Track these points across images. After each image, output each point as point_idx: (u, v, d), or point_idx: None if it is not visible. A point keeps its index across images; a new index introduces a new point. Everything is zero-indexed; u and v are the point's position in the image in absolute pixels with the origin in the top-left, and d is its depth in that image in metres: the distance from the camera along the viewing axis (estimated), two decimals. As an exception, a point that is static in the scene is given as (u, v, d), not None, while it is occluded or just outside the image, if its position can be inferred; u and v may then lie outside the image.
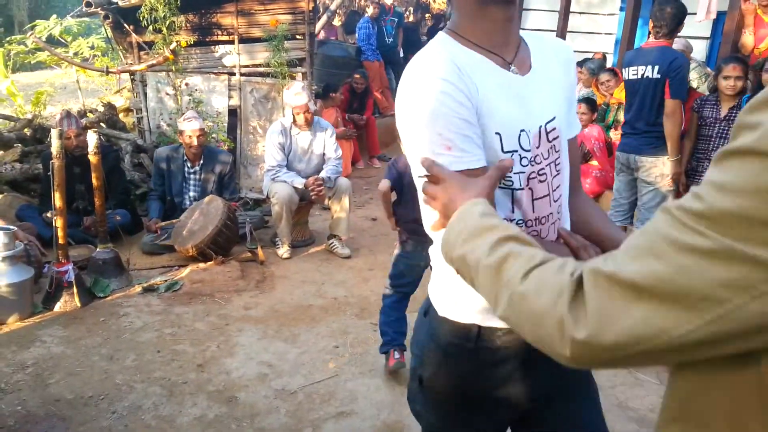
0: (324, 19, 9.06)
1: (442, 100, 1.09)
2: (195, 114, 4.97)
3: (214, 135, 5.82)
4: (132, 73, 6.13)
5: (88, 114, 6.72)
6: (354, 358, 3.23)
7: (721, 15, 5.63)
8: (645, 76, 3.94)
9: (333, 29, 9.99)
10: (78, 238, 4.51)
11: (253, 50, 6.18)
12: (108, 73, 6.55)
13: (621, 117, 5.11)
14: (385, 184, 3.02)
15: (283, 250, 4.68)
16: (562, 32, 7.13)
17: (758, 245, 0.54)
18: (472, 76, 1.13)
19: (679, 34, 4.07)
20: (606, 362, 0.65)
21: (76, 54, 7.55)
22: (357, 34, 8.86)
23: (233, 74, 6.18)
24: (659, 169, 4.01)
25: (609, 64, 7.08)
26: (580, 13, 8.49)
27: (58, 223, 3.66)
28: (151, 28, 5.63)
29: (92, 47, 7.81)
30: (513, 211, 1.21)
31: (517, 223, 1.21)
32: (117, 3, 5.72)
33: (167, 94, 6.08)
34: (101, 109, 6.91)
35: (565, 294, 0.67)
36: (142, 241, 4.69)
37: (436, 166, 1.08)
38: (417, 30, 10.33)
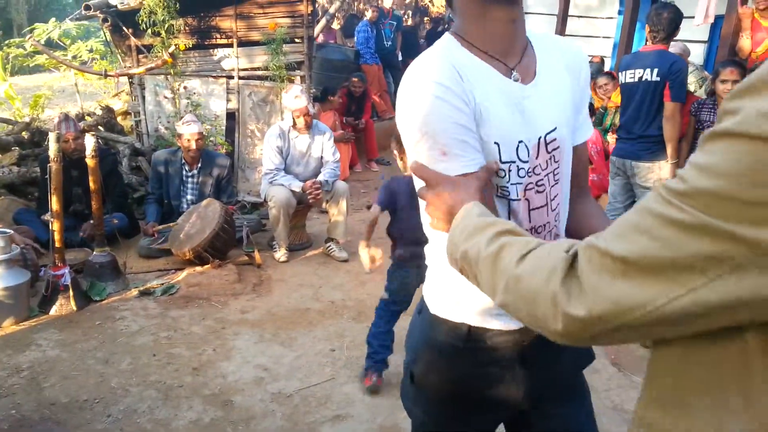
0: (323, 22, 9.09)
1: (437, 105, 1.08)
2: (194, 117, 4.97)
3: (212, 138, 5.82)
4: (130, 77, 6.14)
5: (86, 117, 6.73)
6: (351, 362, 3.22)
7: (718, 19, 5.64)
8: (643, 80, 3.94)
9: (332, 32, 10.01)
10: (75, 241, 4.50)
11: (251, 53, 6.19)
12: (106, 76, 6.56)
13: (618, 121, 5.12)
14: (375, 210, 2.98)
15: (281, 254, 4.68)
16: (560, 35, 7.14)
17: (737, 222, 0.56)
18: (472, 81, 1.12)
19: (676, 38, 4.08)
20: (595, 336, 0.67)
21: (74, 57, 7.55)
22: (356, 38, 8.87)
23: (232, 77, 6.19)
24: (656, 174, 4.01)
25: (607, 68, 7.09)
26: (579, 16, 8.51)
27: (55, 226, 3.66)
28: (149, 31, 5.64)
29: (91, 50, 7.81)
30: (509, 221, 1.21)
31: None
32: (116, 6, 5.73)
33: (165, 97, 6.09)
34: (99, 112, 6.92)
35: (558, 270, 0.69)
36: (139, 245, 4.68)
37: (426, 170, 1.08)
38: (415, 33, 10.35)
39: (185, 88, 6.00)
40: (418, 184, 1.20)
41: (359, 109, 7.65)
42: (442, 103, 1.08)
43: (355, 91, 7.47)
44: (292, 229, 4.87)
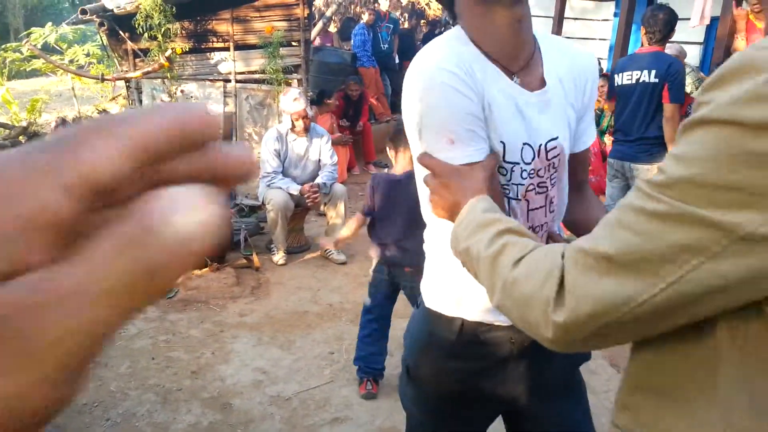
0: (319, 25, 9.09)
1: (447, 91, 1.06)
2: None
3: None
4: (127, 81, 6.15)
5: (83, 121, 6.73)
6: (349, 365, 3.22)
7: (714, 20, 5.67)
8: (641, 81, 3.95)
9: (328, 36, 10.02)
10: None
11: (248, 57, 6.20)
12: (103, 80, 6.56)
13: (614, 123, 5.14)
14: (360, 218, 3.03)
15: (279, 257, 4.68)
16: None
17: (709, 207, 0.57)
18: (480, 75, 1.10)
19: (672, 40, 4.10)
20: (587, 339, 0.67)
21: (71, 61, 7.56)
22: (352, 41, 8.88)
23: (229, 81, 6.19)
24: (654, 174, 4.03)
25: (603, 70, 7.11)
26: (575, 18, 8.53)
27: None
28: (146, 35, 5.65)
29: (88, 54, 7.82)
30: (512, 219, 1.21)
31: None
32: (112, 10, 5.73)
33: (162, 101, 6.09)
34: (96, 116, 6.92)
35: (554, 275, 0.69)
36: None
37: (432, 159, 1.07)
38: (412, 36, 10.36)
39: (182, 91, 6.01)
40: (420, 174, 1.21)
41: (356, 112, 7.66)
42: (451, 90, 1.06)
43: (352, 94, 7.48)
44: (290, 232, 4.87)
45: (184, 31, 5.98)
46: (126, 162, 0.19)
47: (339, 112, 7.43)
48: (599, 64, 7.30)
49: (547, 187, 1.21)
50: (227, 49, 6.16)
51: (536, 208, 1.22)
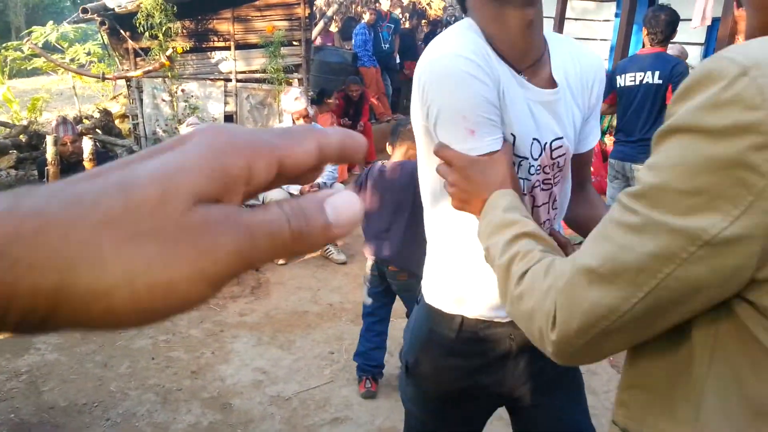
0: (320, 25, 9.10)
1: (466, 79, 1.03)
2: (196, 120, 4.98)
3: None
4: (128, 80, 6.14)
5: (84, 120, 6.73)
6: (349, 364, 3.22)
7: (715, 21, 5.66)
8: (644, 82, 3.94)
9: (329, 35, 10.02)
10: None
11: (249, 56, 6.19)
12: (104, 79, 6.56)
13: (615, 123, 5.13)
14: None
15: (279, 256, 4.68)
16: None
17: (675, 214, 0.60)
18: (495, 65, 1.09)
19: (673, 41, 4.09)
20: (580, 352, 0.70)
21: (72, 60, 7.55)
22: (353, 41, 8.88)
23: (229, 80, 6.19)
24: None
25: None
26: (576, 19, 8.52)
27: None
28: (147, 34, 5.65)
29: (89, 53, 7.81)
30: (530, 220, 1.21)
31: None
32: (113, 9, 5.73)
33: (163, 100, 6.09)
34: (97, 115, 6.92)
35: (551, 294, 0.72)
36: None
37: (451, 152, 1.04)
38: (413, 36, 10.35)
39: (183, 91, 6.00)
40: (425, 168, 1.20)
41: (357, 112, 7.66)
42: (469, 76, 1.03)
43: (352, 95, 7.47)
44: (291, 232, 4.87)
45: (185, 30, 5.98)
46: (311, 160, 0.29)
47: (339, 112, 7.43)
48: (600, 64, 7.29)
49: (551, 184, 1.21)
50: (228, 48, 6.15)
51: (540, 205, 1.22)
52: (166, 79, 5.95)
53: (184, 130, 4.86)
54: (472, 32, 1.11)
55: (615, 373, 3.15)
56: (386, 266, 2.81)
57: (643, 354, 0.73)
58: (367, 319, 2.99)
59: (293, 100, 4.67)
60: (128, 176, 0.26)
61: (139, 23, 5.53)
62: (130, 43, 5.98)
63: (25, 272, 0.23)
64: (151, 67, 5.81)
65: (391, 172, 2.80)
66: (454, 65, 1.04)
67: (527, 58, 1.13)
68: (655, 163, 0.63)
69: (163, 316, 0.26)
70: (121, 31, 5.90)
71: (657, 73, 3.87)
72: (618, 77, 4.16)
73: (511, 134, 1.11)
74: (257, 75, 6.21)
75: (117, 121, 7.03)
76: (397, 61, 9.56)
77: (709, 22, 5.49)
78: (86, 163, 3.93)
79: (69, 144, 4.60)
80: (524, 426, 1.44)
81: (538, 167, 1.17)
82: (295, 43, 6.24)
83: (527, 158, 1.14)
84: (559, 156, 1.19)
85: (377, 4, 9.63)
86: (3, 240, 0.23)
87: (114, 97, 8.58)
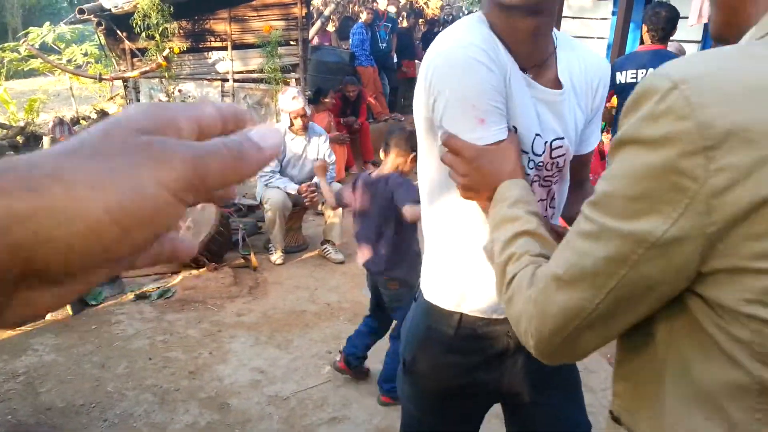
0: (318, 24, 9.10)
1: (476, 68, 1.03)
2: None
3: (207, 141, 5.83)
4: (125, 80, 6.14)
5: (81, 121, 6.73)
6: (347, 364, 3.22)
7: (711, 19, 5.66)
8: None
9: (327, 35, 10.02)
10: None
11: (246, 56, 6.19)
12: (101, 80, 6.55)
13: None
14: (333, 199, 3.32)
15: (276, 256, 4.68)
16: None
17: (623, 219, 0.66)
18: (503, 57, 1.09)
19: (671, 38, 4.10)
20: (559, 352, 0.77)
21: (69, 61, 7.55)
22: (351, 40, 8.88)
23: (226, 80, 6.19)
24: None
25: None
26: (573, 17, 8.53)
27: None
28: (144, 34, 5.65)
29: (85, 54, 7.81)
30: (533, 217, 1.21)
31: None
32: (110, 10, 5.73)
33: (160, 100, 6.09)
34: (94, 116, 6.92)
35: (530, 301, 0.78)
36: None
37: (459, 141, 1.04)
38: (411, 35, 10.34)
39: (180, 91, 6.00)
40: (426, 166, 1.20)
41: (354, 112, 7.66)
42: (479, 64, 1.03)
43: (349, 95, 7.47)
44: (288, 232, 4.87)
45: (181, 31, 5.98)
46: (218, 121, 0.34)
47: (337, 111, 7.43)
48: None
49: (551, 182, 1.22)
50: (225, 48, 6.15)
51: (539, 201, 1.22)
52: (163, 79, 5.94)
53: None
54: (481, 24, 1.11)
55: (612, 370, 3.15)
56: (372, 272, 2.85)
57: (625, 349, 0.80)
58: (364, 321, 3.05)
59: (291, 99, 4.67)
60: (78, 134, 0.30)
61: (136, 24, 5.53)
62: (127, 44, 5.98)
63: None
64: (148, 68, 5.80)
65: (377, 183, 2.82)
66: (462, 53, 1.05)
67: (533, 59, 1.14)
68: (608, 174, 0.69)
69: (141, 232, 0.28)
70: (118, 31, 5.90)
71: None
72: (618, 74, 4.16)
73: (513, 127, 1.11)
74: (254, 75, 6.21)
75: (114, 122, 7.02)
76: (395, 60, 9.55)
77: (705, 20, 5.49)
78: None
79: (66, 145, 4.61)
80: (521, 424, 1.44)
81: (540, 163, 1.17)
82: (292, 42, 6.24)
83: (527, 153, 1.14)
84: (559, 156, 1.19)
85: (374, 4, 9.61)
86: None
87: (111, 98, 8.58)
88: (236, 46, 6.16)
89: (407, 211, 2.62)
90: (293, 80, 6.24)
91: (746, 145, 0.59)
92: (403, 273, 2.74)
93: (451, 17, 11.86)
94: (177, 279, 4.27)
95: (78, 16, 5.88)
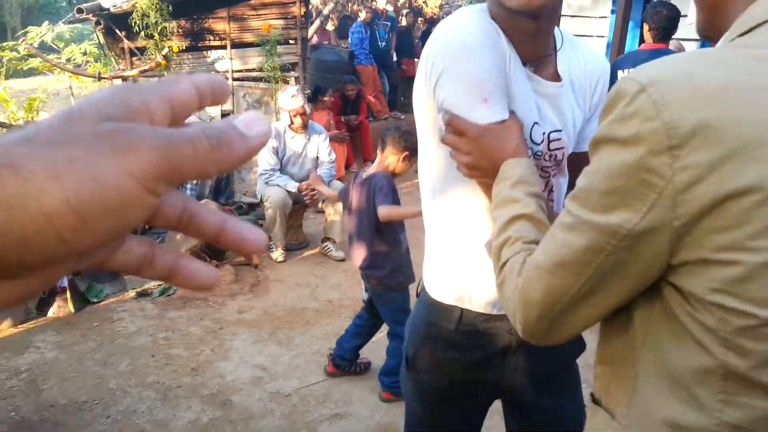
0: (317, 23, 9.09)
1: (478, 48, 1.06)
2: (197, 119, 4.98)
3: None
4: (124, 79, 6.13)
5: (81, 120, 6.71)
6: (348, 361, 3.23)
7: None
8: None
9: (326, 34, 10.01)
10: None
11: (245, 55, 6.19)
12: (100, 79, 6.54)
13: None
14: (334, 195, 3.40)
15: (277, 254, 4.69)
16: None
17: (597, 212, 0.71)
18: (504, 44, 1.11)
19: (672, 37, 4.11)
20: (546, 333, 0.81)
21: (68, 60, 7.53)
22: (350, 39, 8.88)
23: (226, 79, 6.18)
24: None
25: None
26: (572, 16, 8.53)
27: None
28: (143, 33, 5.64)
29: (85, 53, 7.79)
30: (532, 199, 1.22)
31: None
32: (108, 9, 5.72)
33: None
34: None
35: (518, 288, 0.83)
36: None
37: (463, 121, 1.05)
38: (410, 34, 10.34)
39: (180, 90, 6.00)
40: (427, 155, 1.21)
41: (354, 111, 7.66)
42: (482, 46, 1.06)
43: (349, 95, 7.47)
44: (289, 230, 4.88)
45: (180, 30, 5.97)
46: (193, 97, 0.31)
47: (336, 110, 7.43)
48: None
49: (549, 173, 1.22)
50: (224, 47, 6.15)
51: None
52: (163, 78, 5.94)
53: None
54: (483, 14, 1.13)
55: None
56: (360, 270, 2.89)
57: (606, 334, 0.84)
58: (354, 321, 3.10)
59: (290, 97, 4.67)
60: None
61: (135, 23, 5.53)
62: (126, 43, 5.97)
63: None
64: (147, 67, 5.80)
65: (365, 182, 2.84)
66: (465, 35, 1.07)
67: (533, 54, 1.15)
68: (586, 170, 0.74)
69: (104, 223, 0.26)
70: (117, 30, 5.89)
71: None
72: (619, 72, 4.17)
73: (512, 111, 1.11)
74: (254, 74, 6.20)
75: (114, 121, 7.01)
76: (394, 59, 9.56)
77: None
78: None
79: (66, 143, 4.61)
80: (521, 423, 1.45)
81: (539, 153, 1.17)
82: (291, 41, 6.24)
83: (526, 140, 1.14)
84: (557, 149, 1.20)
85: (373, 3, 9.62)
86: None
87: (110, 97, 8.55)
88: (235, 45, 6.16)
89: (381, 210, 2.68)
90: (292, 79, 6.24)
91: (709, 144, 0.63)
92: (382, 274, 2.77)
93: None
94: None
95: (76, 15, 5.88)
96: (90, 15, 5.75)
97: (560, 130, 1.19)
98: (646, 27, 4.00)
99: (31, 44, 6.57)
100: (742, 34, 0.72)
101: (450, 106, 1.06)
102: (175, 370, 3.13)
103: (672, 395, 0.74)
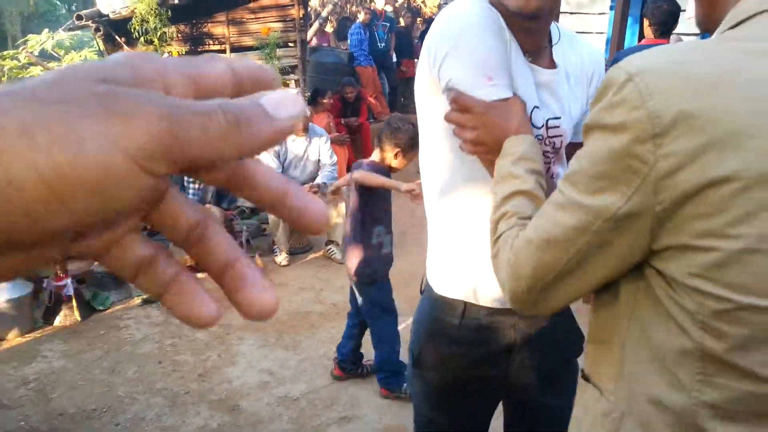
0: (316, 26, 9.11)
1: (483, 28, 1.08)
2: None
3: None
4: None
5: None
6: (355, 364, 3.24)
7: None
8: None
9: (325, 36, 10.03)
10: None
11: (245, 58, 6.21)
12: (101, 85, 6.56)
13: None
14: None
15: (281, 258, 4.69)
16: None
17: (586, 194, 0.74)
18: (506, 31, 1.13)
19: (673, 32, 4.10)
20: (538, 303, 0.84)
21: (68, 68, 7.55)
22: (349, 40, 8.88)
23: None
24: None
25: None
26: (571, 13, 8.53)
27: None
28: (142, 39, 5.66)
29: (85, 60, 7.82)
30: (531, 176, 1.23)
31: None
32: (108, 15, 5.74)
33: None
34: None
35: (509, 263, 0.87)
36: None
37: (469, 98, 1.06)
38: (409, 34, 10.35)
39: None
40: (429, 141, 1.23)
41: (355, 113, 7.66)
42: (486, 26, 1.08)
43: (348, 97, 7.47)
44: (292, 233, 4.88)
45: (180, 35, 5.99)
46: (226, 78, 0.27)
47: (336, 112, 7.43)
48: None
49: (550, 160, 1.23)
50: (224, 51, 6.17)
51: None
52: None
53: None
54: (484, 2, 1.14)
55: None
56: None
57: (596, 314, 0.88)
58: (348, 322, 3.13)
59: (291, 101, 4.68)
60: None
61: (134, 28, 5.54)
62: (126, 49, 5.99)
63: None
64: (148, 73, 5.82)
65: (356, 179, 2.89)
66: (469, 16, 1.09)
67: (531, 47, 1.18)
68: (578, 154, 0.78)
69: (83, 202, 0.22)
70: (116, 36, 5.92)
71: None
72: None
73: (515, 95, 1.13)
74: (254, 77, 6.22)
75: (115, 127, 7.03)
76: (394, 59, 9.56)
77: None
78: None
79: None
80: (523, 422, 1.45)
81: (540, 137, 1.18)
82: (290, 44, 6.26)
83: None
84: (555, 136, 1.21)
85: (372, 4, 9.63)
86: None
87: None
88: (235, 49, 6.18)
89: (355, 174, 2.78)
90: (292, 81, 6.26)
91: (692, 132, 0.66)
92: (353, 265, 2.81)
93: (448, 15, 11.84)
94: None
95: (76, 22, 5.90)
96: (89, 21, 5.77)
97: (559, 117, 1.21)
98: (646, 22, 4.00)
99: (31, 52, 6.60)
100: (731, 27, 0.74)
101: (455, 84, 1.08)
102: (182, 376, 3.14)
103: (656, 374, 0.77)
